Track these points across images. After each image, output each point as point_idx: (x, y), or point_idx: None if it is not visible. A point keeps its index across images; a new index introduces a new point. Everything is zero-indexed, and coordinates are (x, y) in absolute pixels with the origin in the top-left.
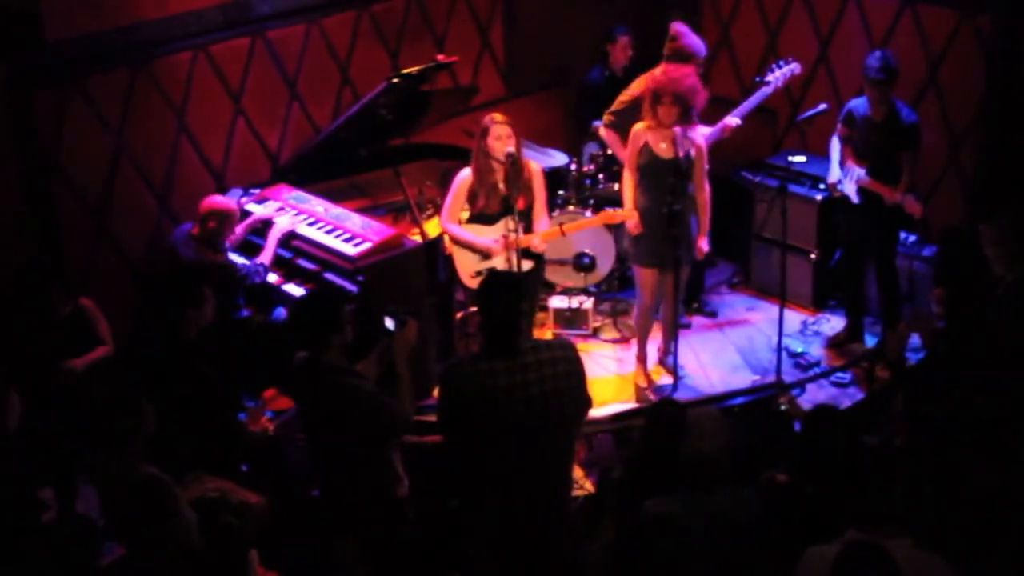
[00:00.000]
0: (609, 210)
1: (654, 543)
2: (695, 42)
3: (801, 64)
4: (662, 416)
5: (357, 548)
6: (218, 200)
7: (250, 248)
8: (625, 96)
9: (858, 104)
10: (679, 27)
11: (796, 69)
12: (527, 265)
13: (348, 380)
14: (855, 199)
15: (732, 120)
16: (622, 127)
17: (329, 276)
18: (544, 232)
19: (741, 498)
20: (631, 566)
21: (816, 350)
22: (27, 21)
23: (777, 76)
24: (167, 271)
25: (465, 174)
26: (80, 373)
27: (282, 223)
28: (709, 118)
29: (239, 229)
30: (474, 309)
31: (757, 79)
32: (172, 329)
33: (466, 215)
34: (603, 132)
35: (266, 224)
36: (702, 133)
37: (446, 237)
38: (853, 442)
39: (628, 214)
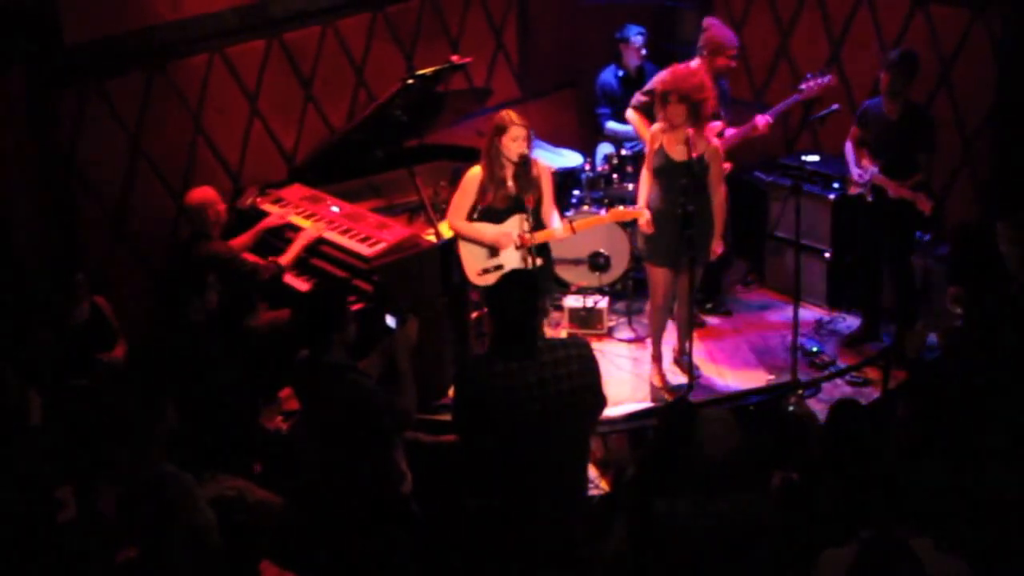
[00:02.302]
0: (619, 207)
1: (662, 543)
2: (724, 33)
3: (833, 76)
4: (675, 416)
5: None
6: (192, 195)
7: (266, 248)
8: (653, 83)
9: (873, 104)
10: (709, 20)
11: (831, 81)
12: (536, 262)
13: (351, 378)
14: (869, 197)
15: (762, 119)
16: (651, 111)
17: (344, 276)
18: (561, 225)
19: (751, 501)
20: (641, 566)
21: (831, 349)
22: (46, 24)
23: (810, 84)
24: (171, 263)
25: (474, 172)
26: (120, 365)
27: (311, 229)
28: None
29: (246, 236)
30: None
31: (795, 87)
32: (179, 316)
33: (475, 215)
34: (630, 113)
35: (279, 229)
36: (731, 134)
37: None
38: (874, 438)
39: (638, 212)
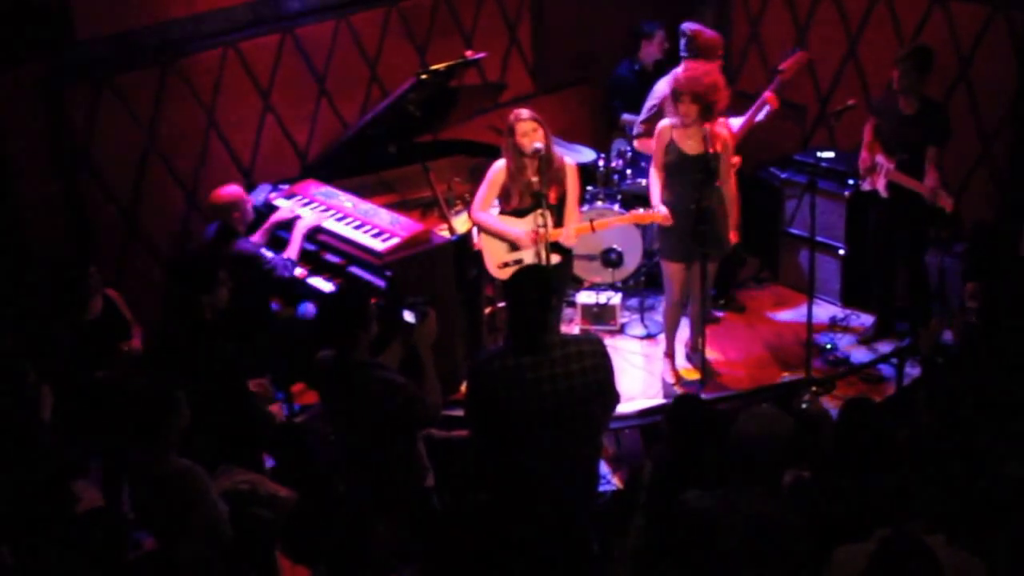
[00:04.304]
0: (639, 211)
1: (690, 537)
2: (711, 34)
3: (807, 52)
4: (682, 414)
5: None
6: (221, 193)
7: (278, 243)
8: (652, 102)
9: (889, 96)
10: (691, 26)
11: (802, 55)
12: (555, 259)
13: (379, 374)
14: (884, 193)
15: (770, 93)
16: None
17: (356, 271)
18: (575, 227)
19: (781, 501)
20: (665, 560)
21: (846, 346)
22: (59, 19)
23: (788, 63)
24: (180, 259)
25: (500, 165)
26: (139, 355)
27: (308, 218)
28: (739, 113)
29: (260, 233)
30: (502, 304)
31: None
32: (189, 313)
33: (496, 211)
34: (637, 144)
35: (288, 222)
36: (733, 123)
37: (474, 231)
38: (887, 436)
39: (657, 215)
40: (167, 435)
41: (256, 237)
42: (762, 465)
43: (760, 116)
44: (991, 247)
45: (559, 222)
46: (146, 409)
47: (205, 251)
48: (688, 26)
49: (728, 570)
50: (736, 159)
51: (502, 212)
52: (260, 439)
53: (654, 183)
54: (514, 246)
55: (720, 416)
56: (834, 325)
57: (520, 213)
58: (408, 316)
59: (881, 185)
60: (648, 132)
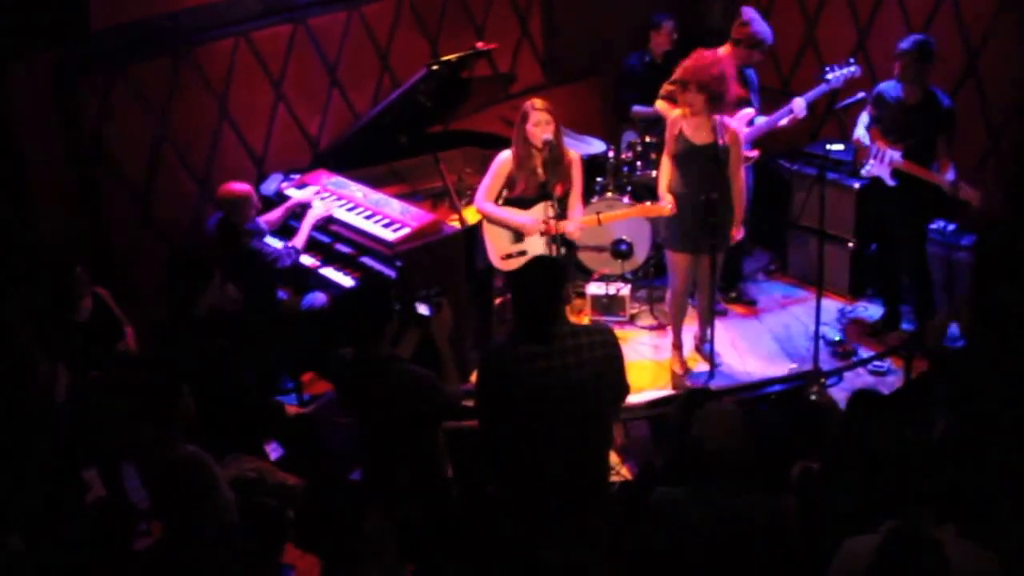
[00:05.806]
0: (647, 203)
1: (655, 531)
2: (764, 28)
3: (861, 67)
4: (693, 407)
5: (385, 523)
6: (231, 188)
7: (289, 232)
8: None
9: (887, 87)
10: (750, 12)
11: (856, 72)
12: (561, 250)
13: (403, 367)
14: (889, 182)
15: (799, 104)
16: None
17: (367, 261)
18: (580, 219)
19: (753, 501)
20: (639, 554)
21: (854, 338)
22: (73, 9)
23: (837, 75)
24: (178, 256)
25: (505, 156)
26: (135, 354)
27: (318, 208)
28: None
29: (278, 213)
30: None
31: (821, 76)
32: (185, 308)
33: (501, 201)
34: (659, 104)
35: (304, 208)
36: (756, 122)
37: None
38: (895, 428)
39: (664, 209)
40: (174, 421)
41: (272, 215)
42: (716, 462)
43: (784, 122)
44: (1002, 241)
45: (563, 215)
46: (153, 395)
47: (203, 248)
48: (745, 11)
49: (693, 566)
50: (755, 152)
51: (507, 199)
52: (261, 430)
53: (663, 171)
54: (518, 237)
55: None
56: (842, 317)
57: (525, 201)
58: (422, 309)
59: (886, 173)
60: (671, 95)
